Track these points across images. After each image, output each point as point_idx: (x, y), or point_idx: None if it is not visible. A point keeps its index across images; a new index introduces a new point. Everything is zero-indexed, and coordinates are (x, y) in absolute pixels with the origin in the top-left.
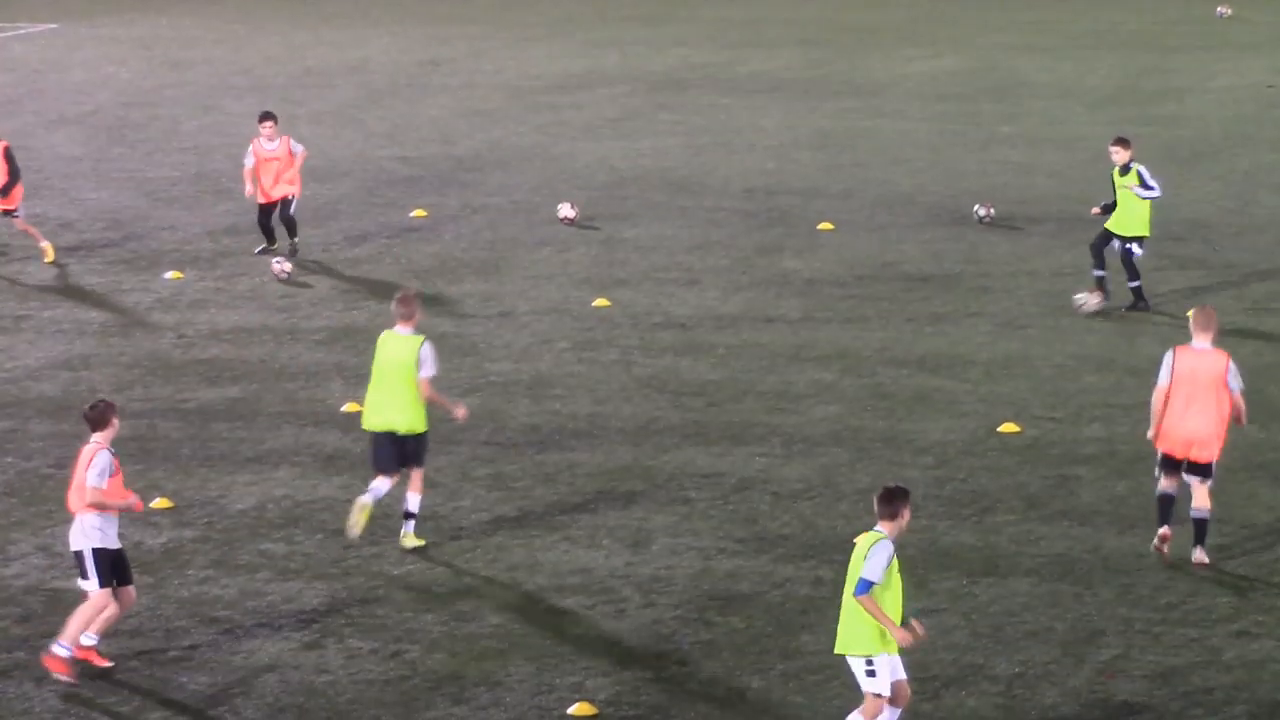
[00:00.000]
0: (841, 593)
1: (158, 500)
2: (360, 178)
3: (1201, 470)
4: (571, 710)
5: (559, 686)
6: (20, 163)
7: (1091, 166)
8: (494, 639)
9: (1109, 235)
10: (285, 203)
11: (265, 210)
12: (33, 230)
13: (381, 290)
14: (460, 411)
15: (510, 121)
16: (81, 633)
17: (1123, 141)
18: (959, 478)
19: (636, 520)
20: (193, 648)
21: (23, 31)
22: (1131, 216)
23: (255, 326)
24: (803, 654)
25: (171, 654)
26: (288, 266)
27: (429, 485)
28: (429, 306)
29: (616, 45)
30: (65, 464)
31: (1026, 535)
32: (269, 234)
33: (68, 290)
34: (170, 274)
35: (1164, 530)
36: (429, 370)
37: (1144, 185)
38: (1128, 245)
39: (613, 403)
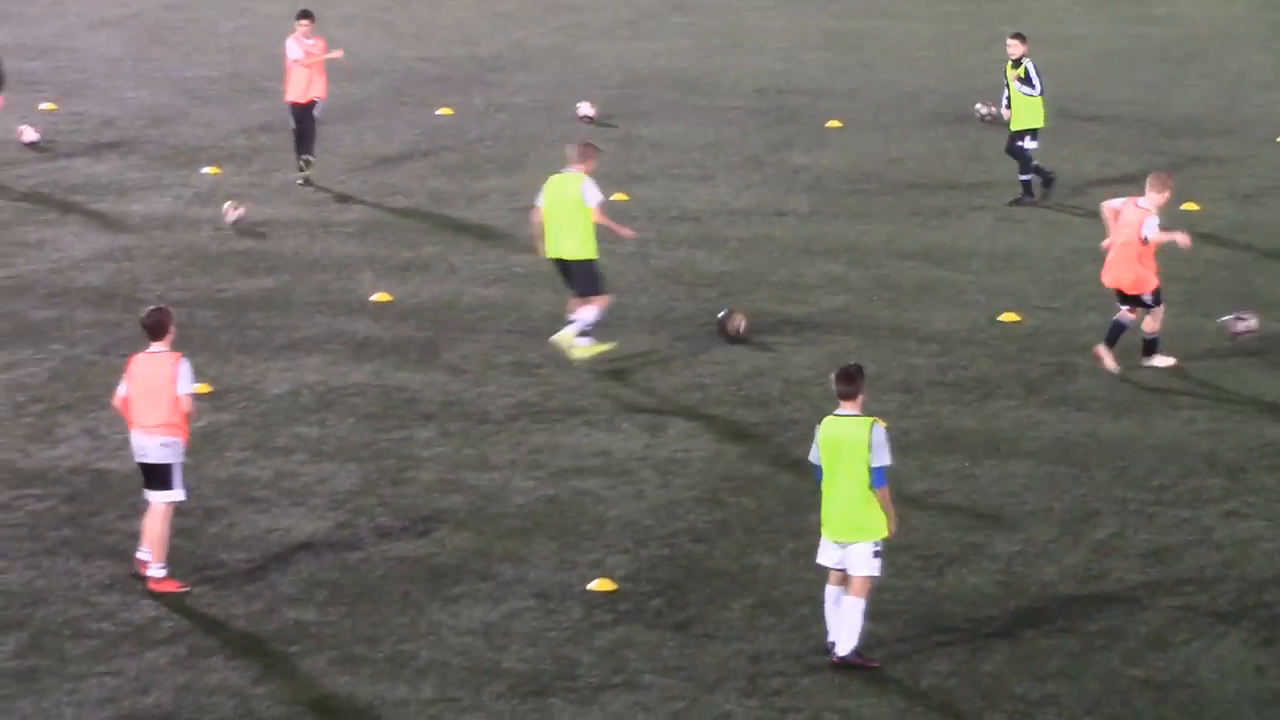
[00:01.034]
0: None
1: (197, 385)
2: (389, 77)
3: (1137, 301)
4: (592, 586)
5: (580, 563)
6: (64, 63)
7: (1091, 65)
8: (518, 518)
9: (1013, 137)
10: (311, 105)
11: (299, 112)
12: None
13: (408, 184)
14: (627, 233)
15: (532, 24)
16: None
17: (1019, 36)
18: (962, 365)
19: (654, 405)
20: (231, 526)
21: None
22: (1024, 110)
23: (289, 220)
24: (811, 533)
25: (211, 532)
26: (239, 213)
27: (455, 372)
28: (455, 200)
29: None
30: (109, 351)
31: (1026, 420)
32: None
33: (110, 185)
34: (208, 169)
35: (1099, 347)
36: (594, 198)
37: (1027, 82)
38: (1020, 140)
39: (630, 293)
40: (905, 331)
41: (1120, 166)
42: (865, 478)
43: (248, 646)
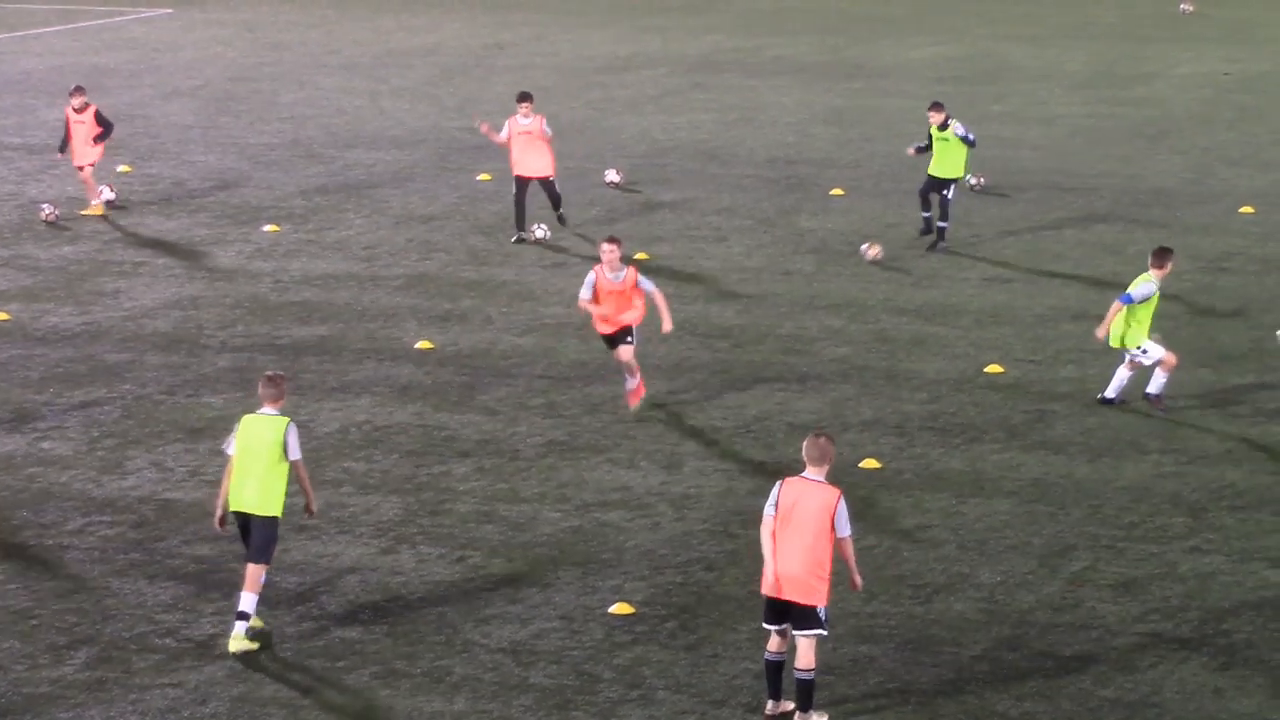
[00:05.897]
0: None
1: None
2: (434, 146)
3: (810, 619)
4: (612, 609)
5: (601, 588)
6: (139, 129)
7: (1071, 141)
8: (545, 546)
9: (933, 181)
10: (547, 183)
11: (521, 185)
12: (90, 184)
13: (450, 242)
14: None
15: (565, 98)
16: None
17: (937, 105)
18: (950, 411)
19: (670, 445)
20: (284, 551)
21: (143, 15)
22: (950, 162)
23: (341, 274)
24: None
25: None
26: (540, 234)
27: (489, 413)
28: (492, 257)
29: (659, 32)
30: (176, 391)
31: (1008, 462)
32: (521, 217)
33: (179, 240)
34: (268, 227)
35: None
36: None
37: (966, 138)
38: (945, 189)
39: (650, 343)
40: (900, 381)
41: (1097, 233)
42: None
43: (298, 661)
